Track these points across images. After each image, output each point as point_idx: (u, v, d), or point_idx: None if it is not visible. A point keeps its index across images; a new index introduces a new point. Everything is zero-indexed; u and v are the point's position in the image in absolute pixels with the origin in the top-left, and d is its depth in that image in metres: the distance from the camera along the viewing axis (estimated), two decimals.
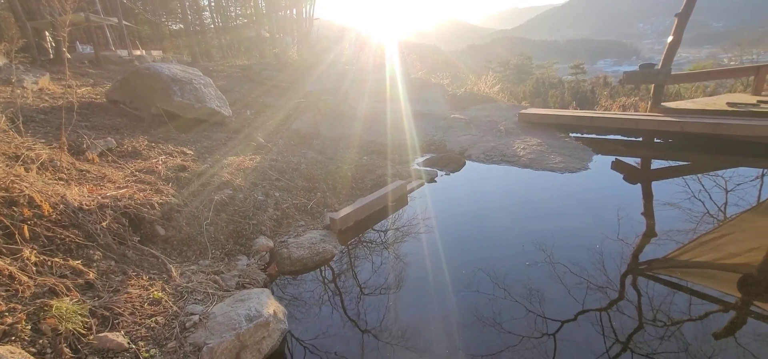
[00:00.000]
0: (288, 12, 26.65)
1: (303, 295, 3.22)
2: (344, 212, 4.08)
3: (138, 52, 23.47)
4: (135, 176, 3.66)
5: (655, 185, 4.77)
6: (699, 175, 4.85)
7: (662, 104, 6.39)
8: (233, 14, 35.14)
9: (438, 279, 3.14)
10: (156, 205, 3.19)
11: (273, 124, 8.23)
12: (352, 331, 2.70)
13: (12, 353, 1.68)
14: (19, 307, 1.94)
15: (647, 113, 6.40)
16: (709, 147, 5.44)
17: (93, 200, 2.85)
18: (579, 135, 6.62)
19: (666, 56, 6.27)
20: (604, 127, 6.31)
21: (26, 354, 1.74)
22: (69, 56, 21.25)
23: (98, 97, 7.47)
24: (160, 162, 4.07)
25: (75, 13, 23.09)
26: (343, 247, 3.78)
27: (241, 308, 2.44)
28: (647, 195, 4.44)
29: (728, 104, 5.84)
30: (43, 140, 3.98)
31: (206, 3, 33.04)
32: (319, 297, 3.15)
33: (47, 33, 21.29)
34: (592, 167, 5.15)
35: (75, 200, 2.76)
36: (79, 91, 8.21)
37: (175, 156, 4.70)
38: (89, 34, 24.02)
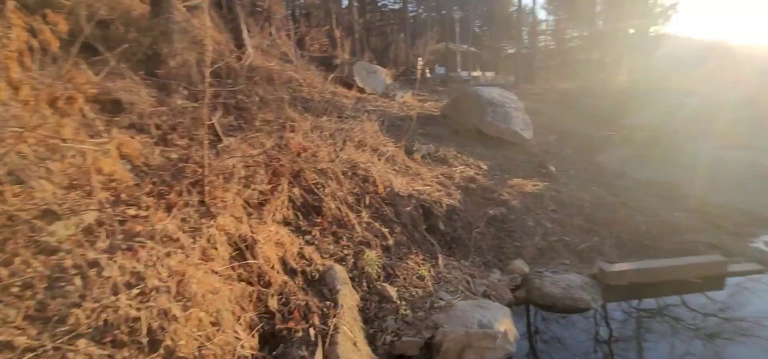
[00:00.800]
0: (628, 32, 23.82)
1: (541, 330, 3.24)
2: (620, 267, 3.64)
3: (476, 74, 27.63)
4: (438, 178, 4.71)
5: None
6: None
7: None
8: (568, 37, 34.74)
9: None
10: (444, 204, 4.05)
11: (573, 153, 7.97)
12: None
13: (341, 271, 2.79)
14: (350, 245, 3.13)
15: None
16: None
17: (407, 190, 3.98)
18: None
19: None
20: None
21: (346, 274, 2.82)
22: (429, 75, 27.66)
23: (436, 111, 9.60)
24: (458, 172, 4.99)
25: (438, 44, 29.59)
26: (605, 304, 3.42)
27: (479, 313, 2.82)
28: None
29: None
30: (393, 140, 5.74)
31: (545, 27, 34.37)
32: (554, 340, 3.08)
33: (419, 58, 28.36)
34: None
35: (397, 186, 3.96)
36: (425, 105, 10.83)
37: (472, 168, 5.57)
38: (444, 59, 30.19)
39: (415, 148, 5.62)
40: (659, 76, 13.17)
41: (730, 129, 7.67)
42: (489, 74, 28.79)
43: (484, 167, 5.81)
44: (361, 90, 9.99)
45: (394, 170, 4.53)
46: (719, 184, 5.67)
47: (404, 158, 5.07)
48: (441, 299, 3.00)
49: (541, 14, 33.41)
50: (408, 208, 3.79)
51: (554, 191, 4.97)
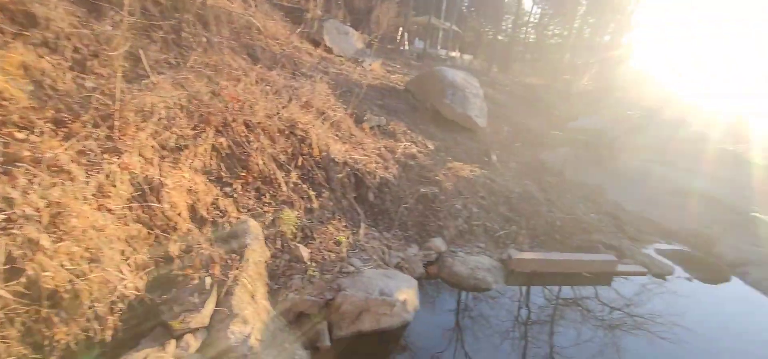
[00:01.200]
0: (603, 38, 24.55)
1: (442, 305, 3.52)
2: (525, 255, 3.97)
3: (453, 54, 27.55)
4: (379, 150, 4.82)
5: None
6: None
7: None
8: (549, 33, 35.17)
9: None
10: (377, 176, 4.18)
11: (521, 147, 8.31)
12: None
13: (254, 227, 2.88)
14: (272, 203, 3.21)
15: None
16: None
17: (343, 157, 4.07)
18: None
19: None
20: None
21: (260, 231, 2.92)
22: (407, 48, 27.22)
23: (401, 84, 9.60)
24: (401, 147, 5.13)
25: (421, 16, 29.10)
26: (505, 288, 3.74)
27: (383, 282, 3.03)
28: None
29: None
30: (344, 106, 5.76)
31: (529, 19, 34.55)
32: (451, 315, 3.37)
33: (401, 28, 27.83)
34: None
35: (334, 152, 4.03)
36: (392, 77, 10.79)
37: (418, 145, 5.72)
38: (426, 33, 29.77)
39: (365, 117, 5.68)
40: (618, 86, 13.80)
41: (661, 145, 8.28)
42: (467, 57, 28.77)
43: (431, 146, 5.98)
44: (329, 50, 9.81)
45: (337, 136, 4.60)
46: (637, 194, 6.18)
47: (351, 125, 5.12)
48: (352, 265, 3.18)
49: (528, 6, 33.47)
50: (340, 175, 3.90)
51: (488, 179, 5.24)
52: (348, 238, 3.46)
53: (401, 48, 25.51)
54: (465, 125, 7.63)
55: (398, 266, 3.54)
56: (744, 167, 7.97)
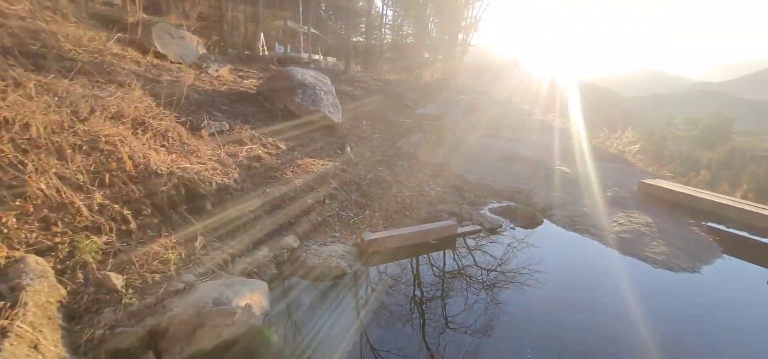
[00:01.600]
0: (445, 36, 27.52)
1: (297, 301, 3.41)
2: (375, 235, 4.12)
3: (316, 57, 27.64)
4: (218, 156, 4.45)
5: None
6: None
7: None
8: (405, 33, 38.05)
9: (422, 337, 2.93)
10: (214, 183, 3.84)
11: (379, 137, 8.70)
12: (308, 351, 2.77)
13: (38, 263, 2.33)
14: (68, 232, 2.65)
15: None
16: None
17: (168, 168, 3.61)
18: (722, 228, 5.07)
19: None
20: (760, 226, 4.67)
21: (49, 267, 2.38)
22: (266, 53, 26.28)
23: (254, 89, 9.13)
24: (245, 150, 4.83)
25: (278, 20, 28.38)
26: (362, 268, 3.83)
27: (218, 291, 2.76)
28: None
29: None
30: (176, 114, 5.17)
31: (386, 21, 36.65)
32: (308, 306, 3.29)
33: (262, 34, 26.73)
34: (705, 272, 3.92)
35: (155, 164, 3.55)
36: (244, 82, 10.19)
37: (267, 147, 5.48)
38: (288, 38, 29.21)
39: (203, 124, 5.20)
40: (459, 75, 15.67)
41: (493, 122, 9.68)
42: (331, 59, 29.19)
43: (283, 147, 5.80)
44: (162, 56, 8.75)
45: (162, 146, 4.07)
46: (474, 165, 7.06)
47: (183, 134, 4.61)
48: (183, 282, 2.83)
49: (382, 9, 35.59)
50: (165, 187, 3.45)
51: (340, 171, 5.32)
52: (180, 254, 3.09)
53: (260, 53, 24.50)
54: (321, 122, 7.64)
55: (245, 273, 3.31)
56: (553, 132, 9.83)
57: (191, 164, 3.93)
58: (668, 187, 5.58)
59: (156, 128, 4.17)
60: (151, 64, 7.54)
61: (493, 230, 4.79)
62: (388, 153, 7.67)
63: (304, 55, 25.04)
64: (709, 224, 5.08)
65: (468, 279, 3.81)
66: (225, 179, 3.99)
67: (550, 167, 6.81)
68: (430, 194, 5.47)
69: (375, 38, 36.01)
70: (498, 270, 3.94)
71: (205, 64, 9.72)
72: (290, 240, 3.86)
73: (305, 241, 3.98)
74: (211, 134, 5.12)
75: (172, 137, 4.32)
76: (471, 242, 4.51)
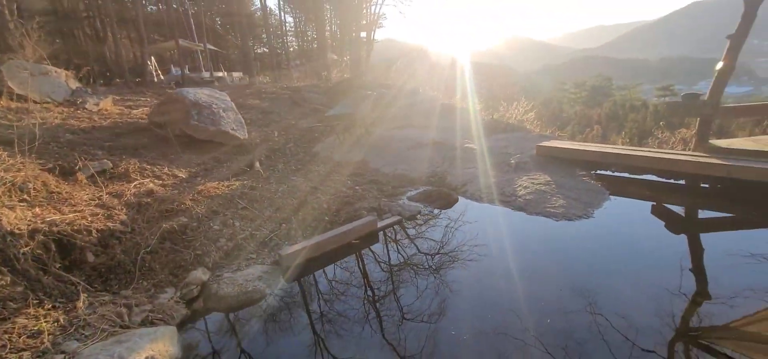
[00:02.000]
0: (353, 35, 27.67)
1: (214, 337, 3.11)
2: (294, 248, 3.92)
3: (220, 74, 26.07)
4: (99, 200, 3.90)
5: (677, 240, 3.92)
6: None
7: (710, 142, 5.27)
8: (310, 37, 37.62)
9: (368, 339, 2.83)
10: (94, 231, 3.34)
11: (294, 146, 8.42)
12: None
13: None
14: None
15: (688, 153, 5.32)
16: (764, 200, 4.34)
17: (28, 225, 3.05)
18: (608, 173, 5.74)
19: (714, 86, 5.17)
20: (635, 166, 5.37)
21: None
22: (161, 78, 24.19)
23: (145, 118, 8.25)
24: (133, 187, 4.30)
25: (168, 41, 26.28)
26: (287, 286, 3.61)
27: (109, 351, 2.39)
28: (658, 250, 3.62)
29: None
30: (42, 161, 4.44)
31: (288, 28, 35.83)
32: (226, 340, 3.01)
33: (152, 58, 24.46)
34: (597, 215, 4.38)
35: (10, 224, 2.97)
36: (133, 112, 9.19)
37: (163, 179, 4.96)
38: (185, 58, 27.10)
39: (77, 167, 4.53)
40: (366, 73, 15.83)
41: (403, 113, 9.92)
42: (237, 74, 27.83)
43: (183, 175, 5.31)
44: (21, 98, 7.53)
45: (21, 201, 3.45)
46: (389, 157, 7.15)
47: (50, 182, 3.96)
48: (62, 352, 2.40)
49: (282, 15, 34.74)
50: (27, 248, 2.91)
51: (249, 189, 5.00)
52: (58, 320, 2.62)
53: (154, 79, 22.47)
54: (224, 141, 7.16)
55: (148, 322, 2.92)
56: (457, 114, 10.36)
57: (62, 214, 3.38)
58: (561, 146, 6.16)
59: (10, 182, 3.51)
60: (6, 109, 6.45)
61: (413, 217, 4.86)
62: (303, 161, 7.45)
63: (206, 74, 23.47)
64: (598, 172, 5.73)
65: (396, 268, 3.81)
66: (108, 224, 3.49)
67: (459, 146, 7.14)
68: (348, 194, 5.39)
69: (280, 47, 35.17)
70: (421, 250, 4.00)
71: (80, 100, 8.57)
72: (198, 274, 3.50)
73: (217, 271, 3.64)
74: (90, 177, 4.48)
75: (34, 189, 3.68)
76: (391, 233, 4.53)
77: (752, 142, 5.17)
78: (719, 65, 5.15)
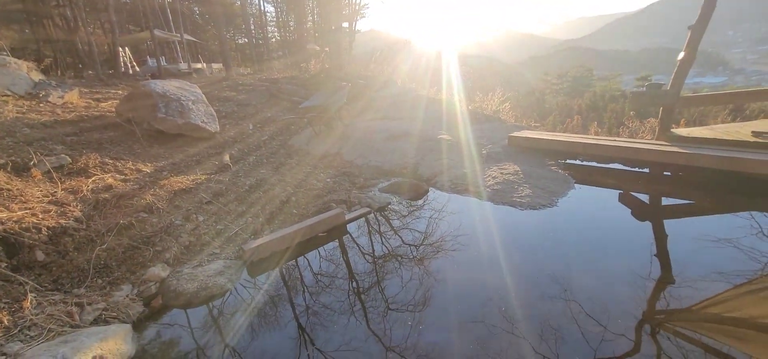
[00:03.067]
0: (334, 26, 27.30)
1: (170, 336, 3.06)
2: (258, 242, 3.88)
3: (198, 66, 25.47)
4: (53, 196, 3.77)
5: (642, 226, 4.01)
6: (722, 215, 4.08)
7: (672, 130, 5.40)
8: (292, 28, 36.99)
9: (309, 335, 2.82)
10: (44, 229, 3.23)
11: (268, 139, 8.29)
12: None
13: None
14: None
15: (650, 141, 5.45)
16: (727, 185, 4.47)
17: None
18: (577, 163, 5.83)
19: (676, 76, 5.29)
20: (600, 155, 5.47)
21: None
22: (136, 69, 23.52)
23: (112, 111, 8.01)
24: (91, 183, 4.17)
25: (143, 32, 25.57)
26: (250, 281, 3.57)
27: (53, 351, 2.32)
28: (619, 236, 3.71)
29: (754, 133, 4.77)
30: None
31: (270, 18, 35.18)
32: (185, 338, 2.96)
33: (127, 49, 23.72)
34: (560, 204, 4.45)
35: None
36: (101, 105, 8.91)
37: (125, 173, 4.83)
38: (162, 49, 26.35)
39: (33, 162, 4.36)
40: (345, 64, 15.68)
41: (379, 105, 9.87)
42: (216, 65, 27.29)
43: (148, 169, 5.17)
44: None
45: None
46: (364, 149, 7.11)
47: (1, 178, 3.81)
48: (3, 354, 2.32)
49: (263, 5, 34.08)
50: None
51: (215, 183, 4.92)
52: (1, 322, 2.53)
53: (128, 70, 21.88)
54: (195, 134, 7.02)
55: (99, 321, 2.85)
56: (435, 105, 10.36)
57: (10, 212, 3.25)
58: (531, 136, 6.23)
59: None
60: None
61: (382, 208, 4.85)
62: (276, 154, 7.35)
63: (183, 66, 22.95)
64: (567, 161, 5.81)
65: (363, 260, 3.80)
66: (61, 221, 3.38)
67: (434, 138, 7.15)
68: (319, 186, 5.35)
69: (260, 37, 34.53)
70: (390, 242, 4.00)
71: (43, 92, 8.26)
72: (157, 270, 3.43)
73: (177, 267, 3.57)
74: (46, 172, 4.33)
75: None
76: (360, 225, 4.52)
77: (709, 131, 5.33)
78: (681, 55, 5.27)
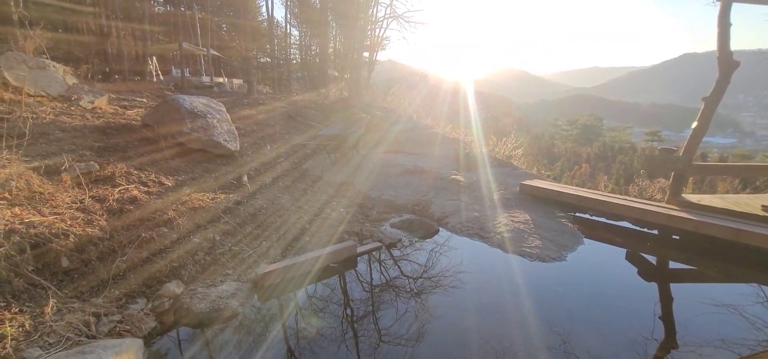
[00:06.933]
0: (355, 56, 28.13)
1: (183, 351, 3.12)
2: (271, 268, 3.97)
3: (220, 80, 26.23)
4: (81, 203, 3.93)
5: (648, 287, 4.03)
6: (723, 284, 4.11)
7: (682, 196, 5.45)
8: (313, 52, 37.95)
9: None
10: (72, 236, 3.37)
11: (285, 162, 8.49)
12: None
13: None
14: None
15: (661, 204, 5.49)
16: (734, 255, 4.48)
17: (5, 225, 3.08)
18: (586, 217, 5.87)
19: (689, 144, 5.38)
20: (610, 212, 5.52)
21: None
22: (161, 78, 24.24)
23: (138, 120, 8.30)
24: (117, 192, 4.34)
25: (172, 43, 26.40)
26: (260, 306, 3.65)
27: None
28: (622, 296, 3.72)
29: (764, 207, 4.79)
30: (28, 158, 4.48)
31: (293, 41, 36.26)
32: (197, 356, 3.03)
33: (154, 58, 24.56)
34: (569, 259, 4.48)
35: None
36: (128, 112, 9.24)
37: (149, 186, 5.00)
38: (187, 61, 27.21)
39: (64, 167, 4.56)
40: (364, 94, 16.08)
41: (395, 138, 10.08)
42: (237, 81, 28.07)
43: (169, 183, 5.35)
44: (17, 90, 7.56)
45: (1, 199, 3.48)
46: (378, 181, 7.25)
47: (34, 181, 3.99)
48: None
49: (288, 27, 35.17)
50: (2, 248, 2.93)
51: (234, 203, 5.06)
52: (23, 325, 2.63)
53: (154, 79, 22.56)
54: (216, 151, 7.23)
55: (115, 333, 2.94)
56: (450, 144, 10.53)
57: (42, 216, 3.41)
58: (542, 186, 6.31)
59: None
60: None
61: (393, 244, 4.93)
62: (292, 178, 7.51)
63: (206, 79, 23.64)
64: (576, 214, 5.87)
65: (374, 294, 3.86)
66: (87, 230, 3.52)
67: (447, 177, 7.27)
68: (332, 216, 5.46)
69: (283, 58, 35.45)
70: (399, 279, 4.06)
71: (75, 96, 8.61)
72: (172, 287, 3.53)
73: (191, 285, 3.67)
74: (75, 178, 4.52)
75: (16, 187, 3.71)
76: (371, 259, 4.59)
77: (719, 200, 5.36)
78: (694, 125, 5.38)
